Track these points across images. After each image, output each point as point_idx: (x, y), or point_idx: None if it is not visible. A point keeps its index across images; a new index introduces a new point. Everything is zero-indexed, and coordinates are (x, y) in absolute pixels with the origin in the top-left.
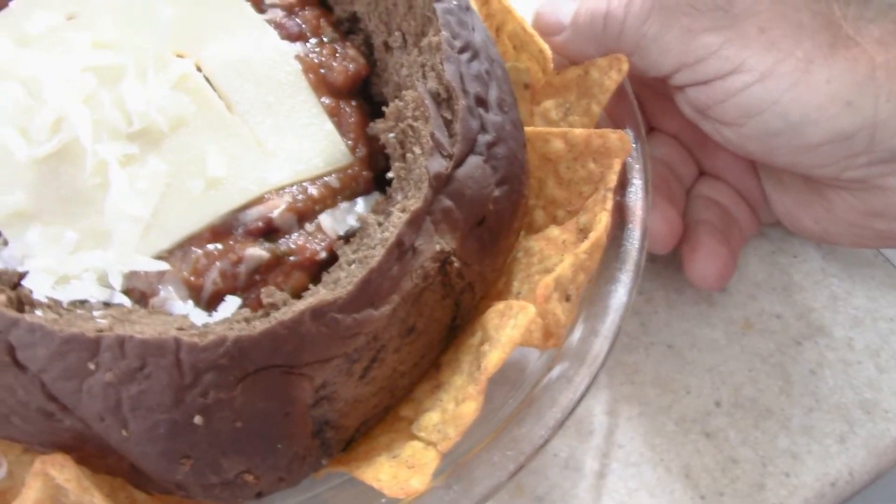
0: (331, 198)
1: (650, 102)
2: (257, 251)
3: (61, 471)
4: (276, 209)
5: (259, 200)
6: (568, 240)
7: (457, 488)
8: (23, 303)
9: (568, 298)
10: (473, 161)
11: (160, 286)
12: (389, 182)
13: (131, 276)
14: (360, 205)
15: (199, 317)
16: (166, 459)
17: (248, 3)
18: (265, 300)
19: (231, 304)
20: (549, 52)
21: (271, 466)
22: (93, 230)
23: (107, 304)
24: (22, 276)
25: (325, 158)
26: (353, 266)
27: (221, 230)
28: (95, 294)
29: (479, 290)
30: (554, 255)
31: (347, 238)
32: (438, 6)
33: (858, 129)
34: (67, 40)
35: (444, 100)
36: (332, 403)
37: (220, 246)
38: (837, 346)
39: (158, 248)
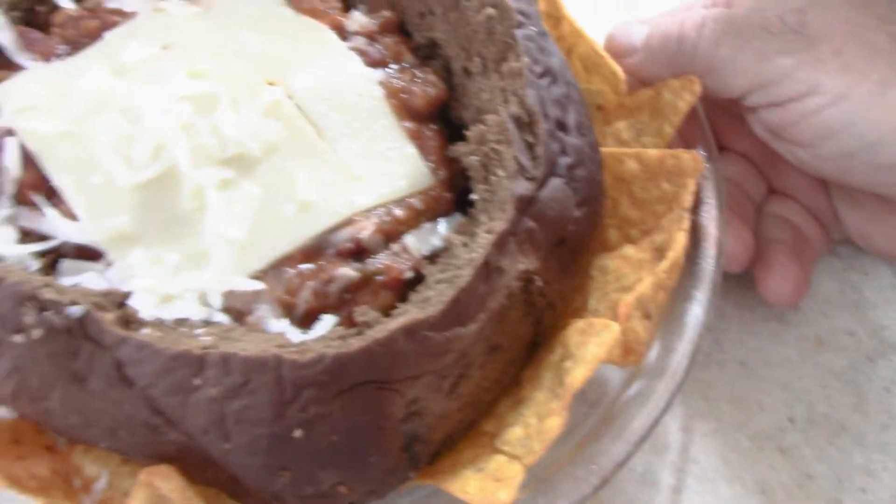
0: (414, 219)
1: (719, 121)
2: (348, 271)
3: (166, 481)
4: (365, 230)
5: (348, 222)
6: (644, 259)
7: (542, 501)
8: (129, 321)
9: (648, 316)
10: (555, 183)
11: (256, 305)
12: (470, 203)
13: (229, 295)
14: (442, 225)
15: (294, 334)
16: (266, 471)
17: (333, 32)
18: (359, 318)
19: (327, 322)
20: (621, 74)
21: (364, 479)
22: (192, 252)
23: (206, 323)
24: (126, 295)
25: (409, 181)
26: (441, 285)
27: (313, 251)
28: (196, 313)
29: (559, 308)
30: (630, 273)
31: (431, 258)
32: (519, 32)
33: None
34: (164, 70)
35: (525, 124)
36: (421, 418)
37: (311, 266)
38: None
39: (254, 269)
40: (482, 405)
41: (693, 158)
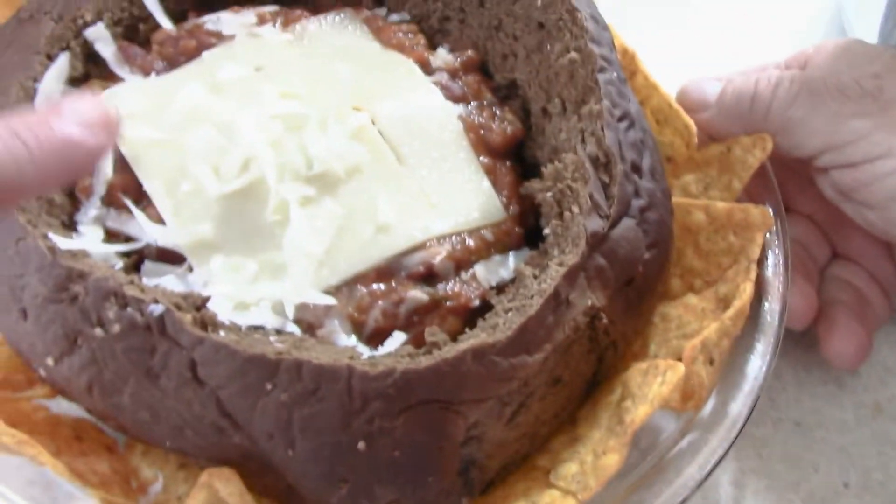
0: (485, 249)
1: (786, 182)
2: (418, 293)
3: (226, 484)
4: (438, 256)
5: (422, 247)
6: (707, 308)
7: None
8: (206, 323)
9: (711, 362)
10: (627, 223)
11: (327, 319)
12: (542, 238)
13: (302, 307)
14: (512, 258)
15: (363, 351)
16: (325, 481)
17: (417, 66)
18: (428, 338)
19: (397, 339)
20: (693, 128)
21: (419, 499)
22: (270, 263)
23: (279, 332)
24: (205, 299)
25: (482, 213)
26: (510, 314)
27: (386, 272)
28: (270, 322)
29: (622, 348)
30: (693, 321)
31: (499, 289)
32: (601, 77)
33: None
34: (257, 90)
35: (602, 164)
36: (480, 443)
37: (383, 286)
38: None
39: (328, 284)
40: (538, 438)
41: (762, 213)
